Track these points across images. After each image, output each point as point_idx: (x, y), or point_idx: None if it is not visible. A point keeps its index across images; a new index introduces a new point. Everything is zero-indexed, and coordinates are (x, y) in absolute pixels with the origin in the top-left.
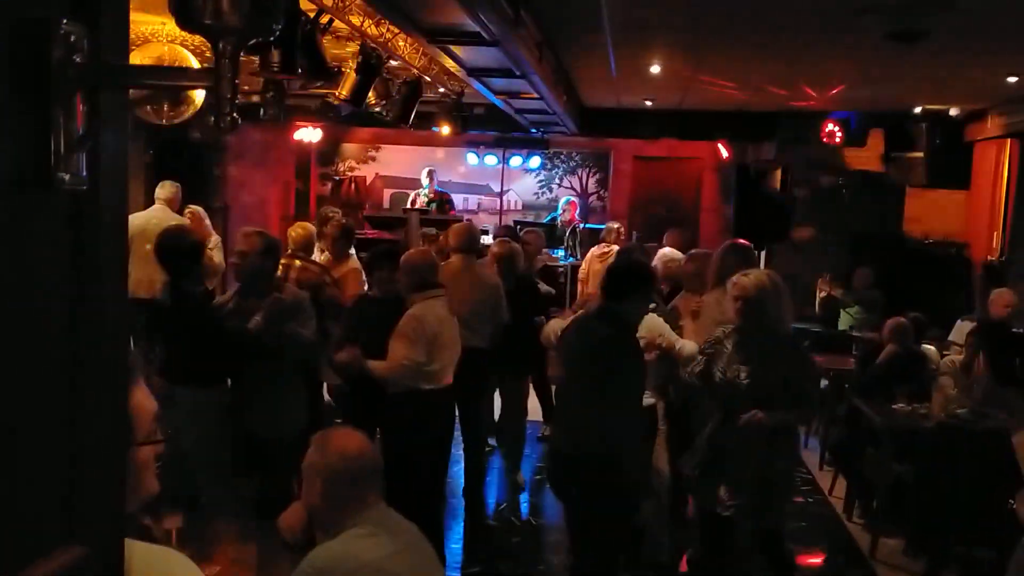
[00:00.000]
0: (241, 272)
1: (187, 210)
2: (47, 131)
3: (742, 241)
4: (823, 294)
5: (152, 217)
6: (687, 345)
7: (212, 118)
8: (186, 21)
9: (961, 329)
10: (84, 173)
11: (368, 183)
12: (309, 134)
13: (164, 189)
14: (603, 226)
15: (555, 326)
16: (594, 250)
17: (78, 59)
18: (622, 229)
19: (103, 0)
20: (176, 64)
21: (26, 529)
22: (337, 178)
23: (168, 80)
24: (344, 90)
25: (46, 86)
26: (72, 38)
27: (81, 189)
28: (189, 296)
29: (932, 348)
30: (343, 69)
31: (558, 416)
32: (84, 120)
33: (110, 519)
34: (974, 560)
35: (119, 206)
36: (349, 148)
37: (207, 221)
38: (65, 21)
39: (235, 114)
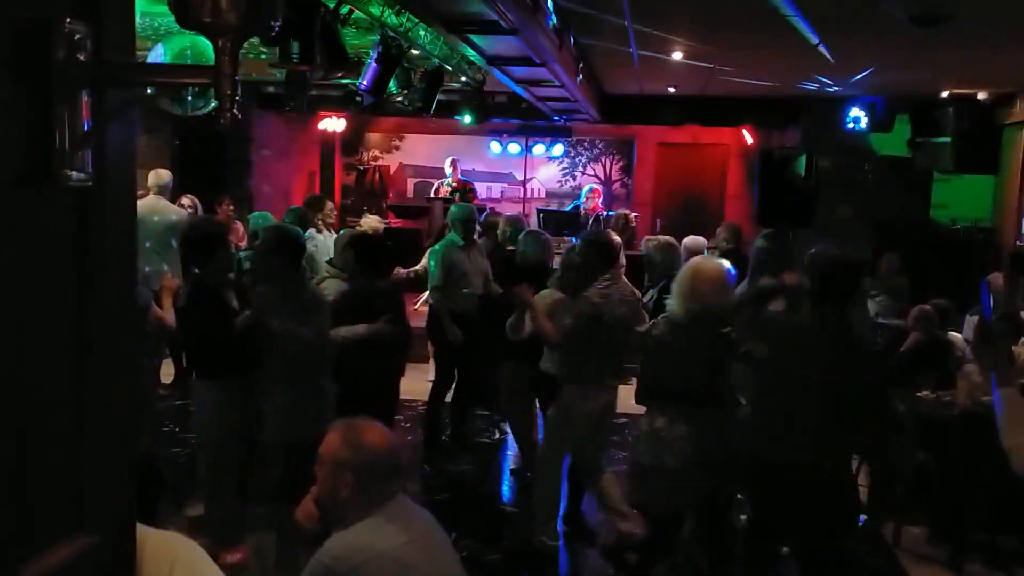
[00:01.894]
0: (254, 268)
1: (184, 199)
2: (51, 129)
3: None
4: None
5: (146, 206)
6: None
7: (214, 114)
8: (185, 19)
9: (972, 324)
10: (90, 170)
11: (392, 172)
12: (333, 123)
13: (159, 176)
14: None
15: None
16: None
17: (81, 57)
18: (632, 216)
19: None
20: (200, 56)
21: (36, 518)
22: (361, 167)
23: (171, 78)
24: (365, 80)
25: (49, 85)
26: (75, 37)
27: (87, 185)
28: (201, 288)
29: (958, 335)
30: (363, 59)
31: (780, 428)
32: (89, 117)
33: (120, 506)
34: (998, 548)
35: (126, 201)
36: (373, 137)
37: (199, 211)
38: (68, 20)
39: (235, 110)
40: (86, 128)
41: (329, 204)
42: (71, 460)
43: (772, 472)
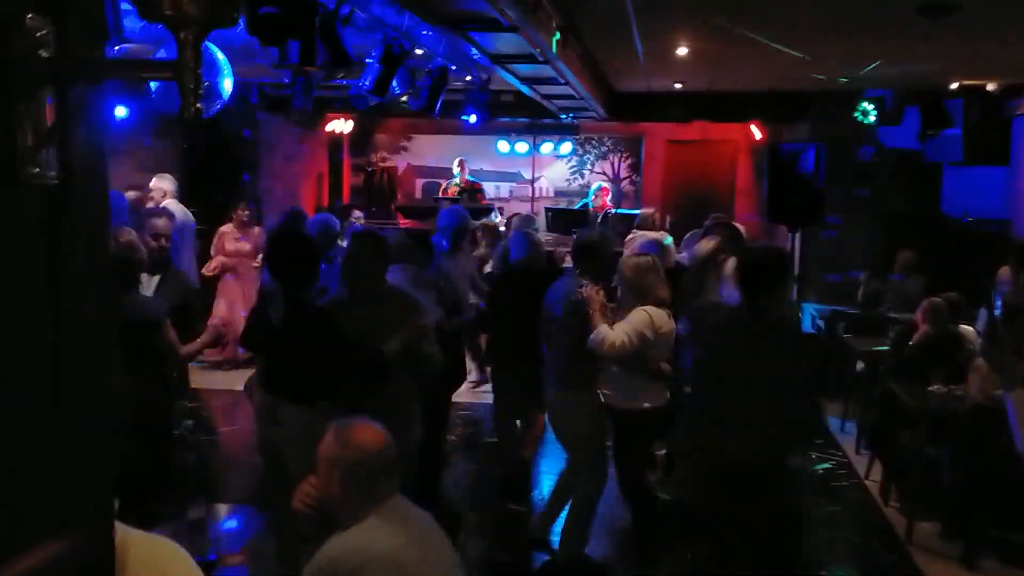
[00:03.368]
0: (347, 276)
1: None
2: (12, 126)
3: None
4: (866, 288)
5: (184, 211)
6: (607, 334)
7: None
8: (147, 12)
9: (985, 317)
10: (56, 168)
11: (400, 173)
12: (341, 125)
13: (172, 182)
14: (635, 211)
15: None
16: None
17: (44, 54)
18: (656, 215)
19: None
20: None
21: (10, 521)
22: (369, 169)
23: (134, 72)
24: (367, 80)
25: (9, 81)
26: (37, 33)
27: (52, 183)
28: (306, 308)
29: (969, 329)
30: (366, 59)
31: (710, 421)
32: (53, 114)
33: (100, 510)
34: (1011, 544)
35: (97, 198)
36: (381, 139)
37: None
38: (30, 16)
39: (199, 104)
40: (50, 125)
41: (356, 212)
42: (48, 463)
43: (715, 466)
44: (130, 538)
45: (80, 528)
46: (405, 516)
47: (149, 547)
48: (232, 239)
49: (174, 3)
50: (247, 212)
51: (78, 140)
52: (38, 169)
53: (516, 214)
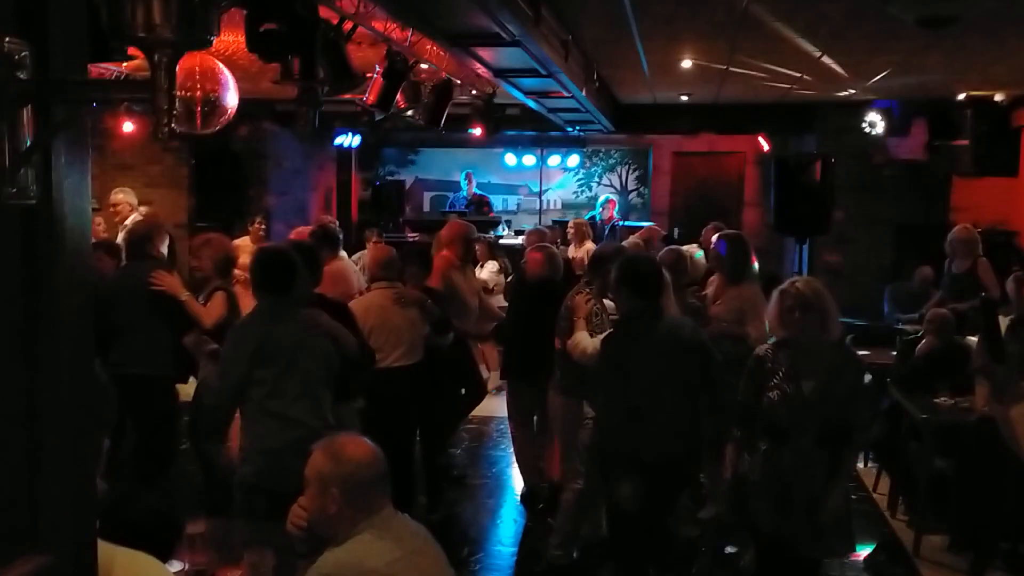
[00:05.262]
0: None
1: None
2: None
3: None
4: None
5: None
6: (581, 340)
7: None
8: (119, 34)
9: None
10: (33, 188)
11: (408, 187)
12: (348, 139)
13: (133, 195)
14: (643, 223)
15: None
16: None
17: (22, 75)
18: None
19: (53, 17)
20: (208, 72)
21: None
22: (377, 183)
23: (110, 93)
24: (371, 95)
25: None
26: (15, 56)
27: (30, 204)
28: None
29: (976, 340)
30: (369, 75)
31: (625, 422)
32: (32, 135)
33: (78, 526)
34: (1020, 556)
35: (78, 218)
36: (388, 153)
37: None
38: (7, 40)
39: (173, 124)
40: (29, 146)
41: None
42: (23, 478)
43: (629, 466)
44: (116, 555)
45: (59, 544)
46: (399, 530)
47: (134, 564)
48: (248, 253)
49: (147, 25)
50: (262, 226)
51: (59, 160)
52: (15, 189)
53: (536, 228)
